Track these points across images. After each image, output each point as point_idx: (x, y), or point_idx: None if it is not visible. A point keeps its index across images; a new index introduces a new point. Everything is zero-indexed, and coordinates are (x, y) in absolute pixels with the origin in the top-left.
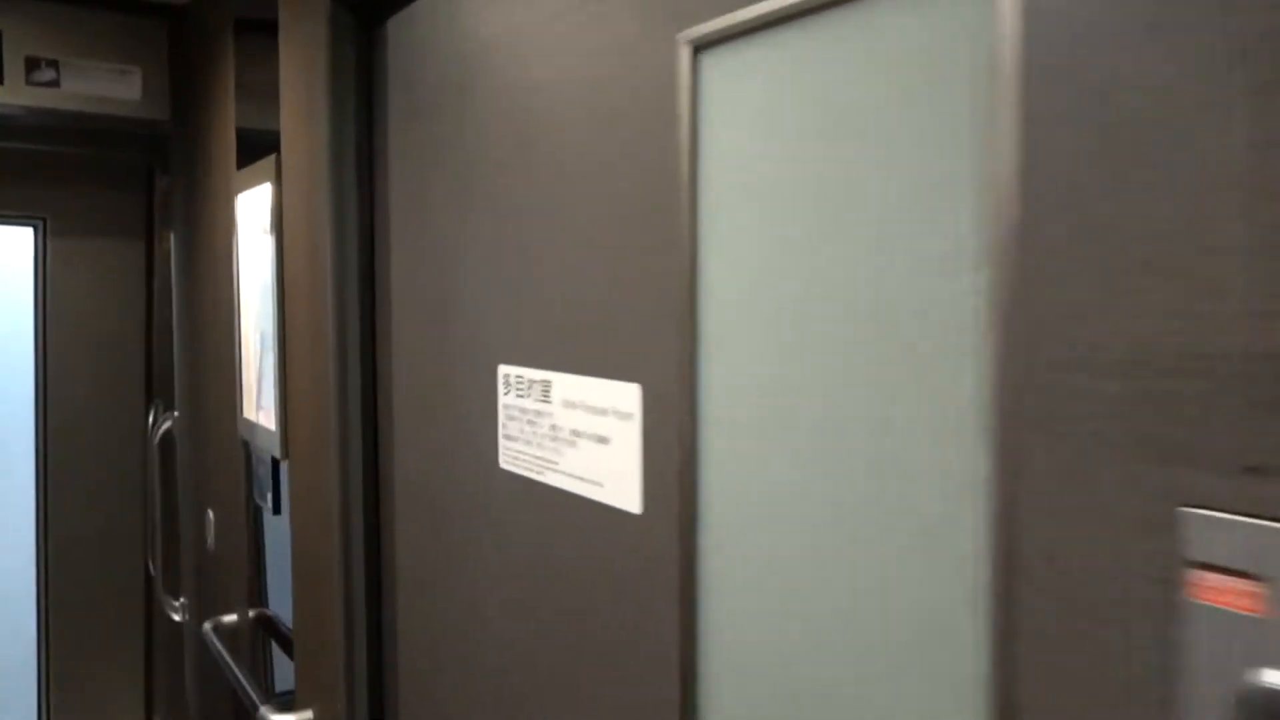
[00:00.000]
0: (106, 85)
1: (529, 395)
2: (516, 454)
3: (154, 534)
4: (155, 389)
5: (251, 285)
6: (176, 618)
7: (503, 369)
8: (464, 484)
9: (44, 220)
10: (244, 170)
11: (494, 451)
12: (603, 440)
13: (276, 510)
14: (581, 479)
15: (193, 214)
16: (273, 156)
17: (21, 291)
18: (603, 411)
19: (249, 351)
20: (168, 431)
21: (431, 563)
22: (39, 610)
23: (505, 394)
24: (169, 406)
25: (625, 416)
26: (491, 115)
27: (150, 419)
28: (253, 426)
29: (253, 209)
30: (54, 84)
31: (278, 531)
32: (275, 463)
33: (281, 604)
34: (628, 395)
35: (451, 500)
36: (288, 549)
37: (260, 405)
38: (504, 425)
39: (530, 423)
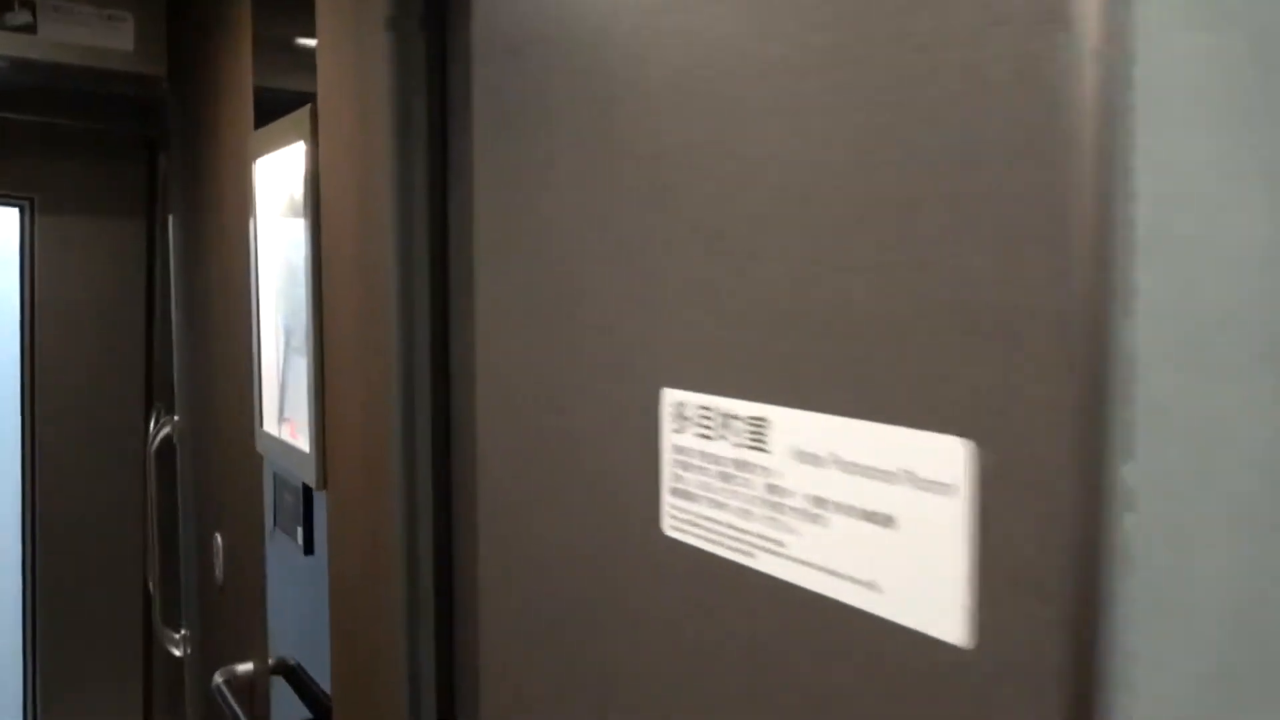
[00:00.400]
0: (92, 33)
1: (724, 437)
2: (698, 520)
3: (153, 553)
4: (156, 390)
5: (272, 271)
6: (176, 652)
7: (672, 395)
8: (593, 550)
9: (31, 200)
10: (265, 129)
11: (651, 510)
12: (883, 520)
13: (309, 549)
14: (835, 574)
15: (195, 188)
16: (306, 108)
17: (5, 280)
18: (885, 476)
19: (268, 352)
20: (167, 438)
21: (535, 657)
22: (25, 632)
23: (676, 431)
24: (168, 408)
25: (936, 488)
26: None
27: (151, 422)
28: (274, 443)
29: (277, 177)
30: (29, 29)
31: (294, 565)
32: (307, 490)
33: (303, 651)
34: (943, 455)
35: (569, 570)
36: (302, 584)
37: (284, 417)
38: (673, 476)
39: (726, 477)
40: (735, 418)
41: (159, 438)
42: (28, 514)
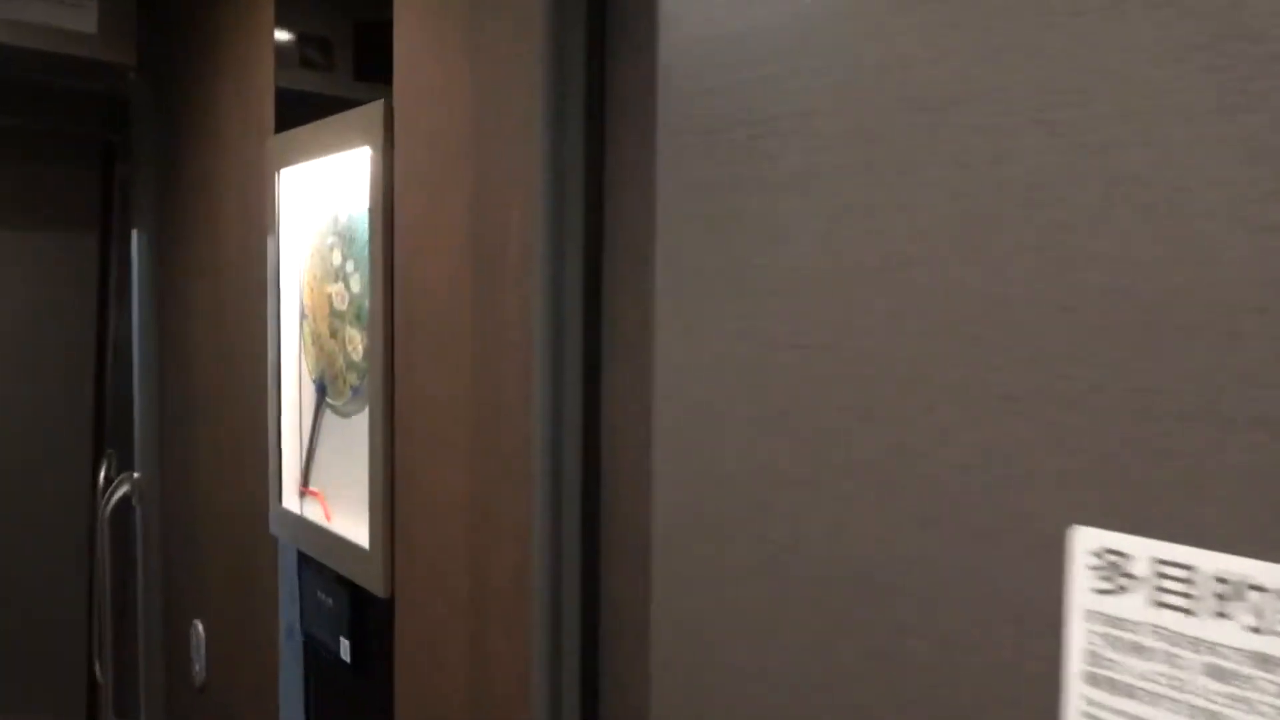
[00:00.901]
0: (49, 11)
1: (1225, 614)
2: None
3: (103, 631)
4: (107, 434)
5: (302, 305)
6: None
7: (1094, 537)
8: None
9: None
10: (293, 133)
11: (1045, 701)
12: None
13: (360, 668)
14: None
15: (172, 199)
16: (375, 105)
17: None
18: None
19: (289, 408)
20: (125, 498)
21: None
22: None
23: (1104, 592)
24: (126, 460)
25: None
26: None
27: (101, 474)
28: (305, 529)
29: (315, 189)
30: None
31: (327, 677)
32: (358, 591)
33: None
34: None
35: None
36: (336, 701)
37: (308, 489)
38: (1088, 655)
39: (1224, 675)
40: (1259, 588)
41: (114, 497)
42: None
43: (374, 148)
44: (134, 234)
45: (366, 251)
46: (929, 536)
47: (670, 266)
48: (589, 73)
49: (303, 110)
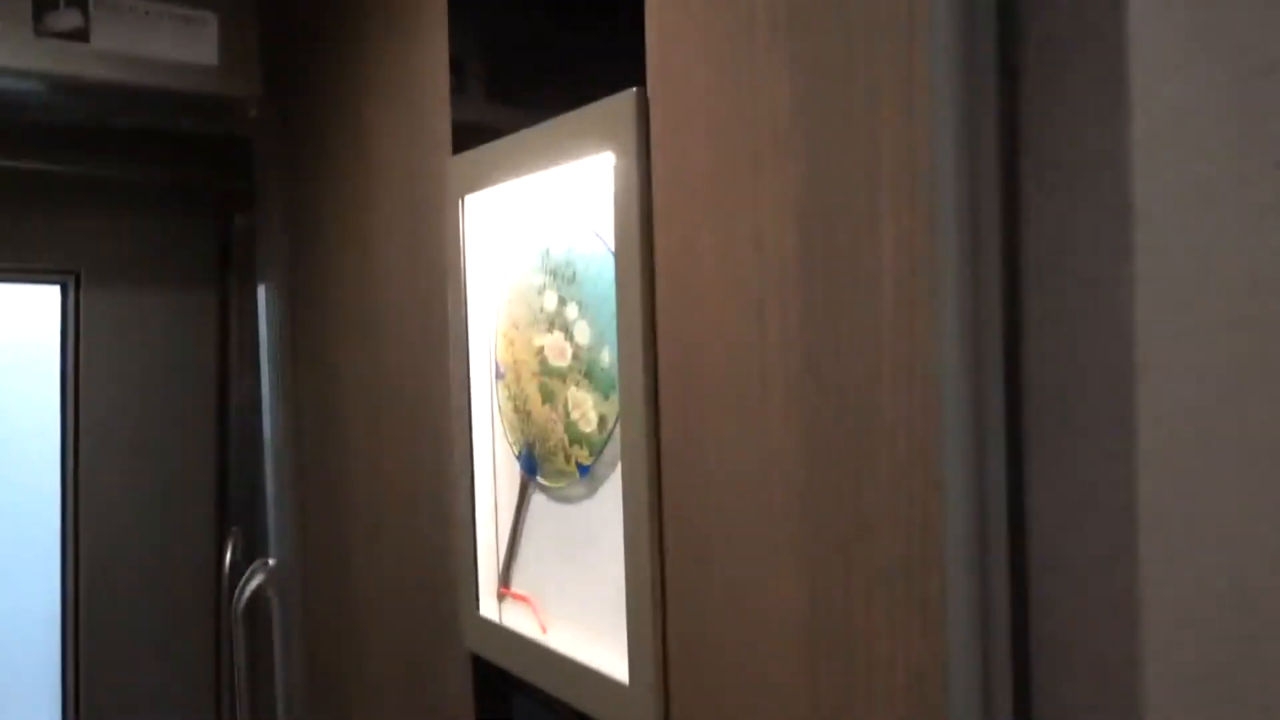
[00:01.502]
0: (163, 41)
1: None
2: None
3: None
4: (231, 512)
5: (483, 360)
6: None
7: None
8: None
9: (76, 275)
10: (485, 149)
11: None
12: None
13: None
14: None
15: (308, 247)
16: (624, 97)
17: (42, 375)
18: None
19: (484, 487)
20: (260, 590)
21: None
22: None
23: None
24: (253, 542)
25: None
26: None
27: (227, 557)
28: (509, 639)
29: (509, 221)
30: (80, 36)
31: None
32: None
33: None
34: None
35: None
36: None
37: (508, 589)
38: None
39: None
40: None
41: (249, 587)
42: (69, 696)
43: (620, 153)
44: (260, 290)
45: (604, 290)
46: None
47: (1166, 287)
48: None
49: (472, 135)
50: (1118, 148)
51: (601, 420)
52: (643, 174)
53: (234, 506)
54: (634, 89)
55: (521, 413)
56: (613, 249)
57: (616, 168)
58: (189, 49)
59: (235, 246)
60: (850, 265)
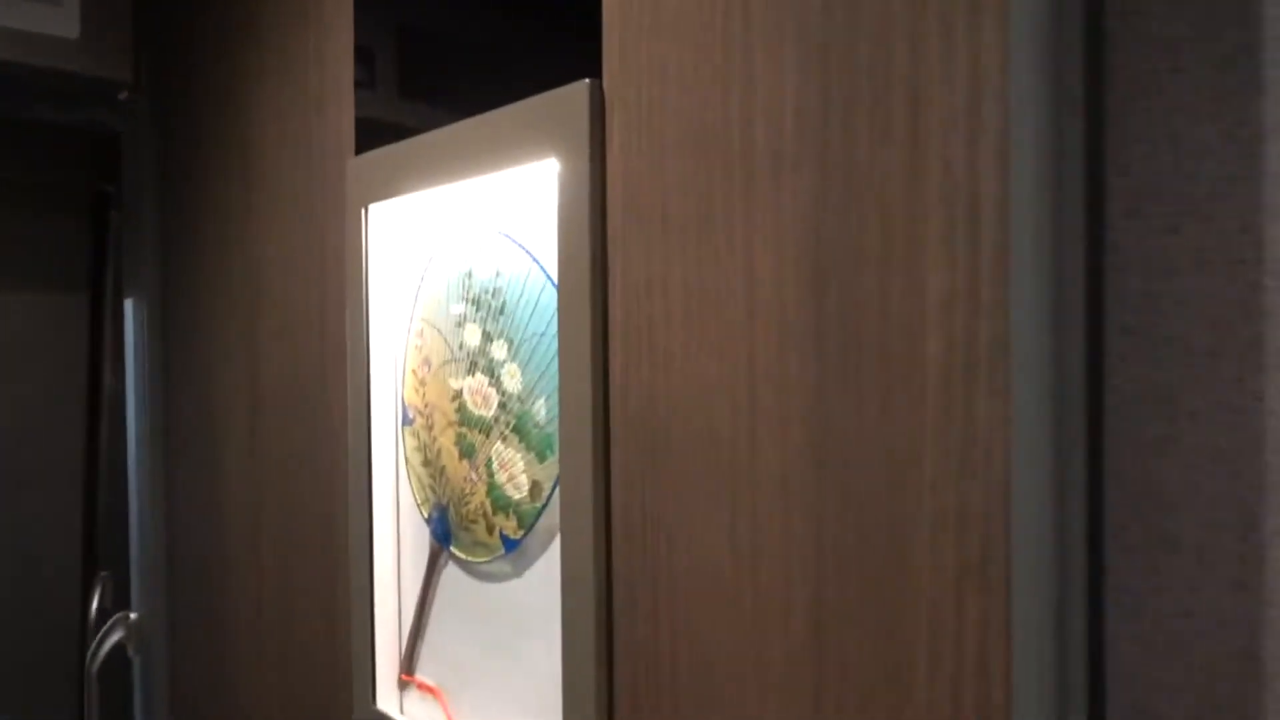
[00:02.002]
0: (12, 8)
1: None
2: None
3: None
4: (100, 555)
5: (387, 401)
6: None
7: None
8: None
9: None
10: (394, 149)
11: None
12: None
13: None
14: None
15: (185, 257)
16: (579, 86)
17: None
18: None
19: (385, 551)
20: (119, 646)
21: None
22: None
23: None
24: (122, 595)
25: None
26: None
27: (94, 604)
28: None
29: (423, 237)
30: None
31: None
32: None
33: None
34: None
35: None
36: None
37: (415, 676)
38: None
39: None
40: None
41: (105, 646)
42: None
43: (566, 159)
44: (128, 303)
45: (541, 327)
46: None
47: None
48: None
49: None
50: (1245, 172)
51: (535, 487)
52: (596, 186)
53: (103, 548)
54: (586, 80)
55: (433, 467)
56: (554, 279)
57: (562, 177)
58: (45, 19)
59: (110, 253)
60: (878, 320)
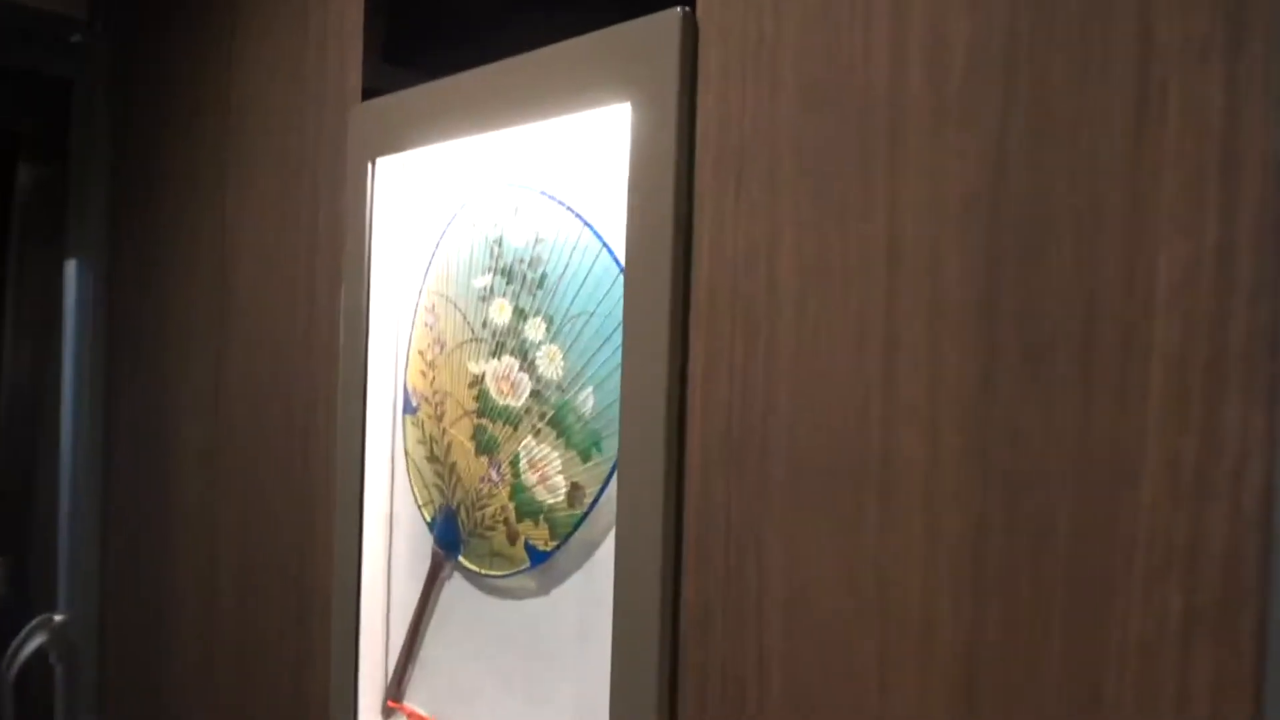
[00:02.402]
0: None
1: None
2: None
3: None
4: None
5: (386, 386)
6: None
7: None
8: None
9: None
10: (408, 94)
11: None
12: None
13: None
14: None
15: (140, 215)
16: (669, 15)
17: None
18: None
19: (374, 557)
20: (41, 651)
21: None
22: None
23: None
24: (26, 581)
25: None
26: None
27: None
28: None
29: (443, 197)
30: None
31: None
32: None
33: None
34: None
35: None
36: None
37: (404, 703)
38: None
39: None
40: None
41: (24, 652)
42: None
43: (645, 102)
44: (69, 266)
45: (592, 304)
46: None
47: None
48: None
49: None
50: None
51: (575, 491)
52: (683, 137)
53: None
54: (679, 9)
55: (440, 464)
56: (612, 247)
57: (637, 126)
58: None
59: (15, 205)
60: (1079, 302)
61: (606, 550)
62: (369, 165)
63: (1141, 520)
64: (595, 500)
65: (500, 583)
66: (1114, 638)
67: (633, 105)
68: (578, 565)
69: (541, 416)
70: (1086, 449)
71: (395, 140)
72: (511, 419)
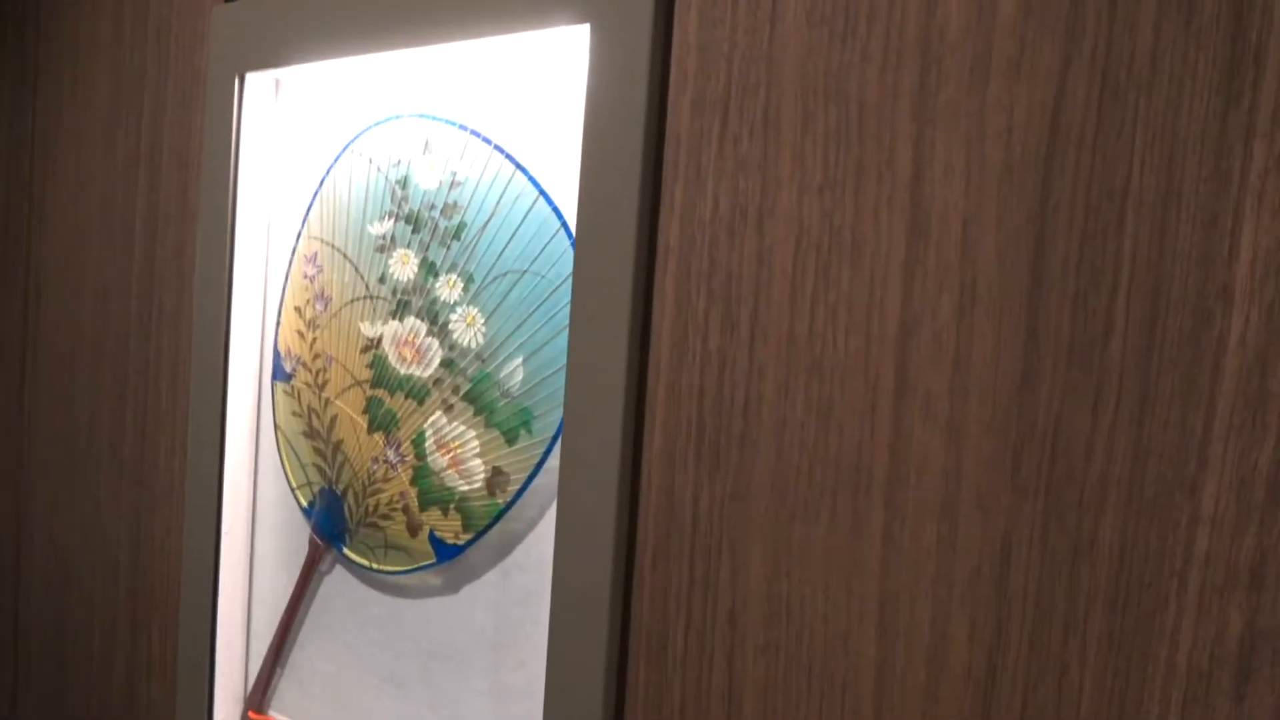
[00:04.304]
0: None
1: None
2: None
3: None
4: None
5: (250, 349)
6: None
7: None
8: None
9: None
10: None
11: None
12: None
13: None
14: None
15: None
16: None
17: None
18: None
19: (236, 538)
20: None
21: None
22: None
23: None
24: None
25: None
26: None
27: None
28: None
29: (325, 124)
30: None
31: None
32: None
33: None
34: None
35: None
36: None
37: (267, 714)
38: None
39: None
40: None
41: None
42: None
43: (606, 24)
44: None
45: (524, 261)
46: None
47: None
48: None
49: None
50: None
51: (496, 477)
52: (655, 69)
53: None
54: None
55: (322, 440)
56: (551, 196)
57: (597, 51)
58: None
59: None
60: (1142, 287)
61: (533, 546)
62: (235, 81)
63: (1200, 534)
64: (522, 489)
65: (396, 580)
66: (1161, 661)
67: (592, 27)
68: (496, 561)
69: (455, 390)
70: (1141, 456)
71: (271, 54)
72: (416, 392)
